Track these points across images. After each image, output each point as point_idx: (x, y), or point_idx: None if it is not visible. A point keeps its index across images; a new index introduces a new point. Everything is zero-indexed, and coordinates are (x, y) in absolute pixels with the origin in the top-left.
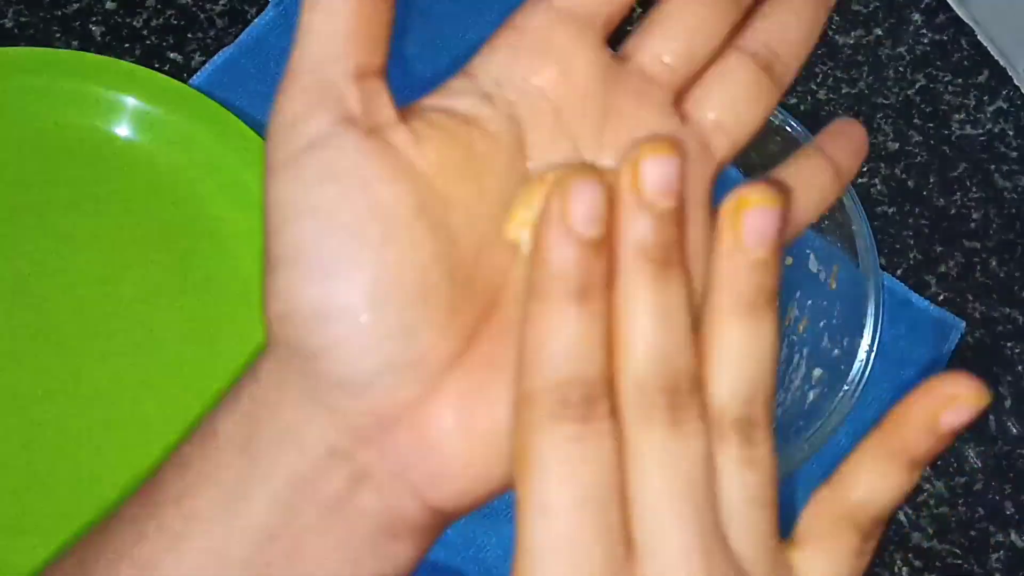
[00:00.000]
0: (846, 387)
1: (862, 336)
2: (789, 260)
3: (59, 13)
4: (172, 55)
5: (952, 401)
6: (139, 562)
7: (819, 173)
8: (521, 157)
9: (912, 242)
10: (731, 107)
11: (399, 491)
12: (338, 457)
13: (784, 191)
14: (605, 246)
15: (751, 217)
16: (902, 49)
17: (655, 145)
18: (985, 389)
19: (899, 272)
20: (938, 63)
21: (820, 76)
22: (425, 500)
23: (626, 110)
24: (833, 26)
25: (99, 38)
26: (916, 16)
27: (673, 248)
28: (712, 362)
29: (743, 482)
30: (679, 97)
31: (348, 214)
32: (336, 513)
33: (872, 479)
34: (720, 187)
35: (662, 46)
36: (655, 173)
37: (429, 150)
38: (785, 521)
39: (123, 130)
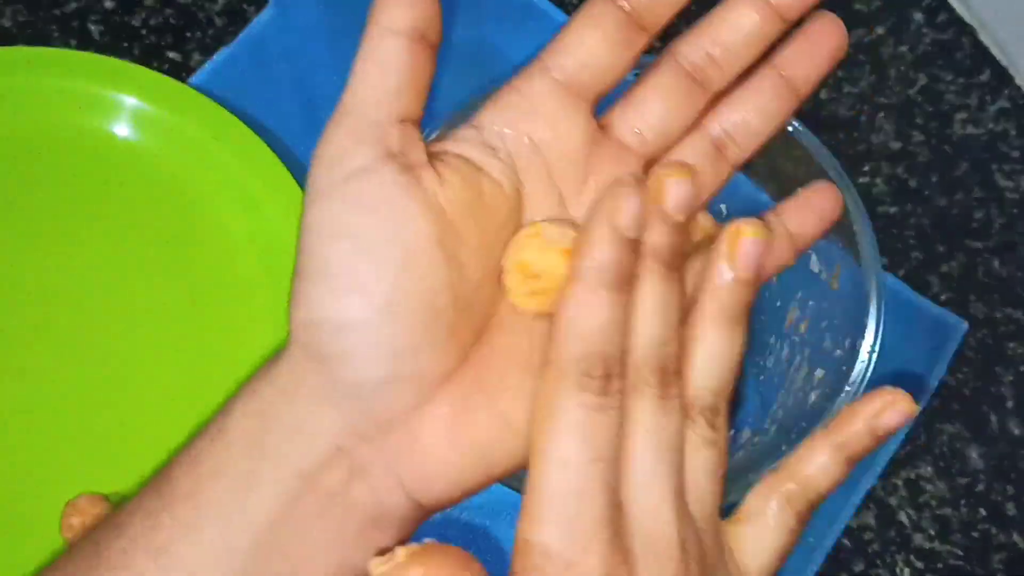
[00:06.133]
0: (848, 388)
1: (864, 337)
2: None
3: (58, 12)
4: (171, 54)
5: (889, 407)
6: (153, 549)
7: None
8: (518, 203)
9: (914, 242)
10: None
11: (389, 486)
12: (341, 453)
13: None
14: (638, 247)
15: (744, 244)
16: (904, 48)
17: (679, 169)
18: (913, 401)
19: (901, 272)
20: (940, 62)
21: None
22: (411, 495)
23: (604, 172)
24: None
25: (98, 37)
26: (918, 15)
27: (678, 255)
28: (693, 357)
29: (704, 456)
30: (648, 165)
31: (378, 239)
32: (333, 504)
33: (815, 469)
34: (729, 189)
35: (639, 121)
36: (676, 191)
37: (449, 190)
38: None
39: (122, 129)
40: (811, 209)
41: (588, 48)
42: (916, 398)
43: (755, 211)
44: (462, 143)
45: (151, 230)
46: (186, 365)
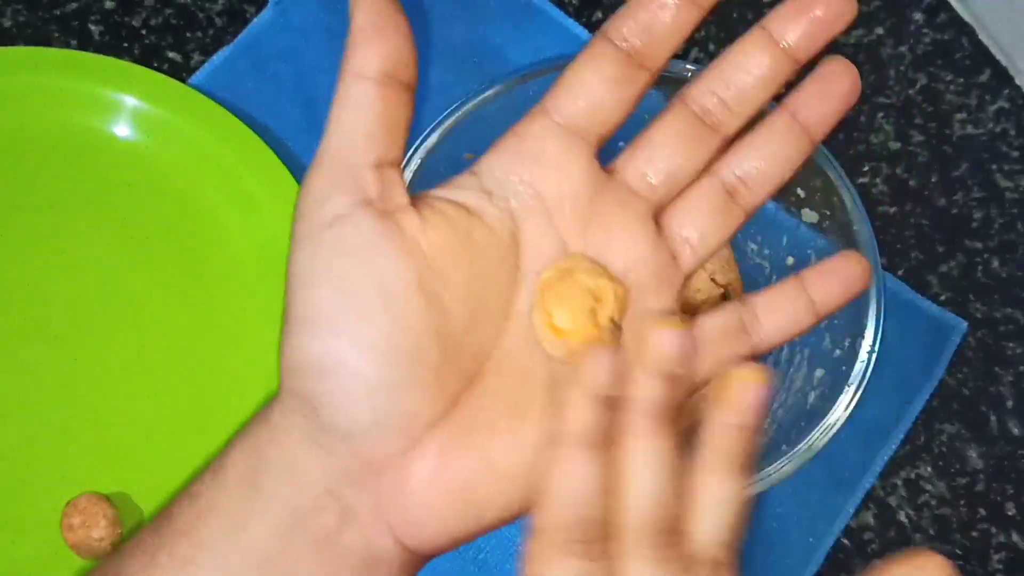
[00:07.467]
0: (847, 388)
1: (863, 337)
2: (790, 260)
3: (58, 12)
4: (171, 54)
5: (920, 570)
6: None
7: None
8: (515, 248)
9: (914, 242)
10: (698, 227)
11: (379, 531)
12: (332, 497)
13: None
14: (617, 404)
15: (745, 390)
16: (903, 48)
17: (668, 321)
18: (951, 567)
19: (901, 272)
20: (939, 62)
21: None
22: (401, 541)
23: (609, 216)
24: None
25: (98, 37)
26: (917, 15)
27: (669, 407)
28: (696, 508)
29: None
30: (659, 210)
31: (357, 284)
32: (326, 547)
33: None
34: None
35: (647, 166)
36: (664, 344)
37: (432, 234)
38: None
39: (122, 129)
40: (836, 278)
41: (588, 89)
42: (915, 398)
43: (759, 220)
44: (457, 189)
45: (151, 230)
46: (186, 365)
